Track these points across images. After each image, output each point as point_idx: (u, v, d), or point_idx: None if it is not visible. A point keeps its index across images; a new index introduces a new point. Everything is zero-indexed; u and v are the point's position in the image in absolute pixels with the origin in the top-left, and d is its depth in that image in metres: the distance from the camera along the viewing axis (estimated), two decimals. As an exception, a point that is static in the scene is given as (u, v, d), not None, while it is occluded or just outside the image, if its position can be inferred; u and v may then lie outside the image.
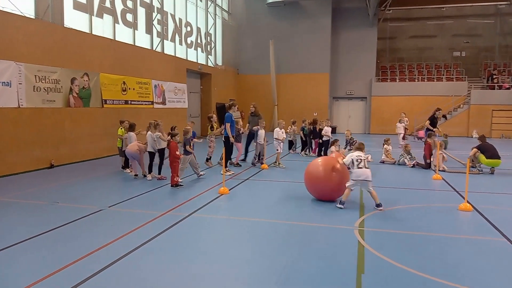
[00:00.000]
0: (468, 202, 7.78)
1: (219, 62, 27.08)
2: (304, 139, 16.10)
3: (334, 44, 28.89)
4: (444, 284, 4.48)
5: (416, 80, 28.68)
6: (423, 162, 12.82)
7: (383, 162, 13.76)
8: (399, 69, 30.23)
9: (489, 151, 11.61)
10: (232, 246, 5.72)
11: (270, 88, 27.99)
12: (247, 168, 12.33)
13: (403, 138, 18.83)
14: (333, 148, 12.54)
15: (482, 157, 11.70)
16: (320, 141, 15.22)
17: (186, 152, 9.99)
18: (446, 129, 20.95)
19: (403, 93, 27.88)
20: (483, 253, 5.52)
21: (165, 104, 19.25)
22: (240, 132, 12.77)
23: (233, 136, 11.64)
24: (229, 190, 9.05)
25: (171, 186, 9.39)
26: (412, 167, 12.89)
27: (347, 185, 7.73)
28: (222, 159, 12.70)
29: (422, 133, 20.13)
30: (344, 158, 8.10)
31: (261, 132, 12.73)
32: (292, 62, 28.45)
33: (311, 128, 15.52)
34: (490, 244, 5.87)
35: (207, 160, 12.68)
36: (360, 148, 8.02)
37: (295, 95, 28.52)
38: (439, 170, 11.60)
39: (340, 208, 7.63)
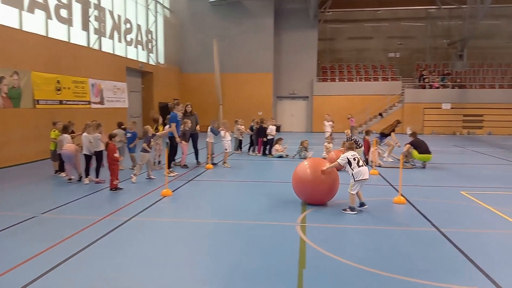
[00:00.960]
0: (402, 195, 8.22)
1: (161, 61, 26.49)
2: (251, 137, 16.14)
3: (277, 44, 29.35)
4: (380, 274, 4.70)
5: (354, 80, 29.89)
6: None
7: (324, 159, 14.16)
8: (339, 69, 31.34)
9: (421, 147, 12.35)
10: (173, 249, 5.60)
11: (214, 87, 27.84)
12: (191, 169, 12.16)
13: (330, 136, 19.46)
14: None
15: (414, 153, 12.43)
16: (265, 139, 15.38)
17: (145, 151, 9.79)
18: (382, 127, 21.94)
19: (342, 92, 28.97)
20: (416, 243, 5.86)
21: (103, 104, 18.48)
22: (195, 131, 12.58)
23: (179, 137, 11.40)
24: (172, 191, 8.86)
25: (110, 189, 9.02)
26: (351, 163, 13.41)
27: (352, 192, 7.29)
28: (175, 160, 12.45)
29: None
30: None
31: (209, 132, 12.67)
32: (236, 61, 28.51)
33: (258, 127, 15.63)
34: (422, 234, 6.24)
35: (154, 163, 12.25)
36: (352, 147, 7.72)
37: (240, 94, 28.62)
38: (375, 166, 12.17)
39: (355, 213, 7.20)
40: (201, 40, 28.35)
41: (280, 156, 14.75)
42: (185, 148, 12.36)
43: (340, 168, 7.81)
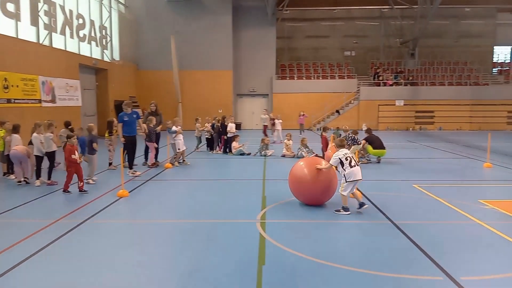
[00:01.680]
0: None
1: (116, 57, 25.71)
2: (212, 136, 15.94)
3: (236, 41, 29.30)
4: (337, 267, 4.81)
5: (312, 78, 30.40)
6: (321, 154, 13.64)
7: (283, 155, 14.34)
8: (297, 67, 31.76)
9: (375, 142, 12.77)
10: (129, 251, 5.45)
11: (173, 84, 27.39)
12: (147, 170, 11.89)
13: (265, 132, 20.44)
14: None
15: (369, 148, 12.83)
16: (225, 137, 15.33)
17: (92, 151, 9.34)
18: (339, 123, 22.53)
19: (301, 90, 29.41)
20: (371, 236, 6.05)
21: (55, 102, 17.69)
22: (155, 131, 12.19)
23: (124, 136, 10.83)
24: (129, 192, 8.64)
25: (63, 191, 8.62)
26: (310, 159, 13.63)
27: (344, 193, 7.03)
28: (149, 160, 12.05)
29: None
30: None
31: (174, 129, 12.44)
32: (195, 59, 28.17)
33: (220, 125, 15.52)
34: (377, 227, 6.45)
35: (110, 164, 11.84)
36: (342, 145, 7.37)
37: (200, 92, 28.34)
38: (333, 162, 12.43)
39: (348, 213, 6.98)
40: (158, 37, 27.77)
41: (242, 154, 14.75)
42: (152, 147, 12.12)
43: (329, 167, 7.43)
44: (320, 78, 30.37)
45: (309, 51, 32.75)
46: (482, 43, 32.34)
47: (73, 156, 8.52)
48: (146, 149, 12.36)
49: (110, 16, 24.68)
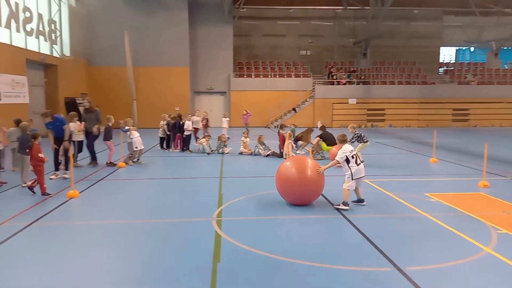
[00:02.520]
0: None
1: (67, 53, 24.64)
2: (167, 134, 15.64)
3: (193, 38, 28.97)
4: (293, 262, 4.91)
5: (269, 76, 30.66)
6: (278, 152, 13.82)
7: (241, 153, 14.39)
8: (254, 65, 31.90)
9: (329, 139, 13.11)
10: (80, 253, 5.27)
11: (127, 81, 26.66)
12: (101, 168, 11.53)
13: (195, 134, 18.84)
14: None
15: (323, 145, 13.15)
16: (183, 135, 15.13)
17: (25, 152, 8.83)
18: (295, 121, 22.86)
19: (259, 88, 29.59)
20: (326, 230, 6.23)
21: (0, 100, 16.71)
22: (92, 131, 11.65)
23: (55, 138, 9.92)
24: (80, 192, 8.34)
25: (42, 194, 8.13)
26: (266, 156, 13.76)
27: (349, 188, 7.14)
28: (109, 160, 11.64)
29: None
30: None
31: (127, 128, 12.10)
32: (150, 55, 27.55)
33: (175, 122, 15.28)
34: (330, 222, 6.64)
35: (60, 163, 11.30)
36: (345, 140, 7.39)
37: (155, 89, 27.77)
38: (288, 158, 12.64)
39: (347, 208, 7.11)
40: (112, 32, 26.87)
41: (204, 152, 14.55)
42: (111, 146, 11.76)
43: (337, 164, 7.42)
44: (277, 76, 30.69)
45: (266, 50, 32.99)
46: (430, 44, 33.99)
47: (40, 155, 8.12)
48: (91, 152, 11.81)
49: (59, 9, 23.60)
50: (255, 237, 5.84)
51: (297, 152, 14.40)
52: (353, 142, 11.71)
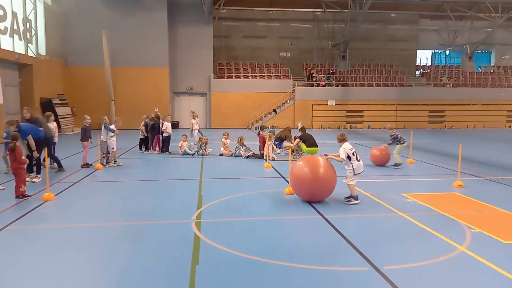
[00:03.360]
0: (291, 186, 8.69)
1: (43, 52, 24.09)
2: (146, 135, 15.45)
3: (172, 39, 28.75)
4: (271, 263, 4.92)
5: (250, 77, 30.69)
6: (259, 153, 13.84)
7: (221, 154, 14.34)
8: (235, 66, 31.89)
9: (308, 140, 13.22)
10: (55, 257, 5.15)
11: (105, 81, 26.24)
12: (78, 170, 11.31)
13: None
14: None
15: (303, 146, 13.25)
16: (162, 137, 14.98)
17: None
18: (276, 122, 23.06)
19: (239, 89, 29.58)
20: (304, 230, 6.26)
21: (-29, 100, 16.21)
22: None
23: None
24: (56, 195, 8.15)
25: (16, 197, 7.88)
26: (247, 157, 13.76)
27: (353, 183, 7.63)
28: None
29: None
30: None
31: (103, 129, 11.90)
32: (129, 55, 27.21)
33: (153, 124, 15.11)
34: (308, 222, 6.68)
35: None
36: (344, 139, 7.84)
37: (134, 89, 27.44)
38: (269, 159, 12.69)
39: (358, 202, 7.62)
40: (89, 31, 26.42)
41: (186, 154, 14.41)
42: (85, 147, 11.57)
43: (340, 161, 7.77)
44: (258, 77, 30.76)
45: (246, 51, 33.02)
46: (407, 47, 34.70)
47: (23, 158, 7.89)
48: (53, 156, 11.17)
49: (35, 8, 23.05)
50: (235, 238, 5.82)
51: (277, 153, 14.46)
52: (390, 144, 12.03)
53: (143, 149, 15.41)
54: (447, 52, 37.89)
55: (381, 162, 12.08)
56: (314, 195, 7.66)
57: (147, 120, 15.21)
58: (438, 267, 4.88)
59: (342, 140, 7.83)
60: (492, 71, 34.93)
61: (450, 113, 31.14)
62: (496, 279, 4.54)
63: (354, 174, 7.64)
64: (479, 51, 36.71)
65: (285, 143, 14.59)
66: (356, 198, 7.71)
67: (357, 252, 5.29)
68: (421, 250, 5.41)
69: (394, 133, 12.14)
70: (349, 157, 7.62)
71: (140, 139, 15.48)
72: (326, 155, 7.97)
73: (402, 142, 12.01)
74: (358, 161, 7.69)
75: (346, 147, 7.68)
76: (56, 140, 11.22)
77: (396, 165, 11.85)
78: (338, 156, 7.72)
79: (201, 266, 4.78)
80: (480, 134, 25.35)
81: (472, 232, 6.09)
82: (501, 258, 5.08)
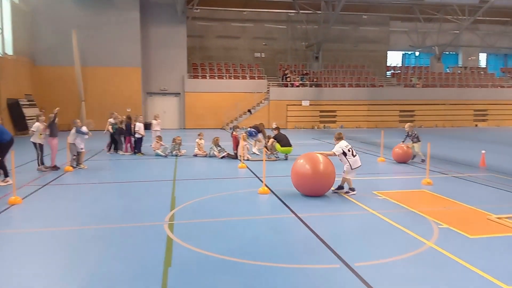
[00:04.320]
0: (266, 185, 8.73)
1: (9, 51, 23.27)
2: (113, 136, 15.15)
3: (145, 38, 28.32)
4: (244, 263, 4.93)
5: (224, 77, 30.60)
6: (233, 153, 13.81)
7: (196, 155, 14.24)
8: (209, 66, 31.72)
9: (283, 140, 13.29)
10: (22, 262, 4.99)
11: (75, 81, 25.59)
12: (47, 173, 10.98)
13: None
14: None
15: (278, 146, 13.31)
16: (134, 138, 14.74)
17: None
18: (251, 122, 22.95)
19: (213, 89, 29.44)
20: (277, 229, 6.29)
21: None
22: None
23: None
24: (23, 199, 7.89)
25: None
26: (222, 158, 13.71)
27: (349, 177, 8.24)
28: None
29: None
30: None
31: (73, 132, 11.60)
32: (100, 54, 26.61)
33: (125, 125, 14.84)
34: (282, 221, 6.73)
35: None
36: (341, 137, 8.42)
37: (106, 89, 26.87)
38: (243, 159, 12.70)
39: (355, 193, 8.25)
40: (58, 30, 25.70)
41: (159, 155, 14.22)
42: (54, 147, 11.27)
43: (331, 155, 8.32)
44: (232, 78, 30.70)
45: (220, 51, 32.91)
46: (378, 48, 35.43)
47: None
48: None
49: (0, 6, 22.23)
50: (208, 239, 5.80)
51: (252, 152, 14.48)
52: (404, 141, 13.24)
53: (112, 150, 15.07)
54: (417, 53, 38.93)
55: (404, 160, 12.82)
56: (314, 189, 8.13)
57: (111, 120, 14.91)
58: (407, 262, 5.00)
59: (339, 138, 8.46)
60: (459, 72, 36.12)
61: (420, 112, 31.99)
62: (461, 272, 4.70)
63: (352, 169, 8.21)
64: (447, 53, 37.87)
65: (260, 136, 14.65)
66: (353, 189, 8.30)
67: (329, 249, 5.36)
68: (391, 246, 5.54)
69: (411, 133, 13.07)
70: (345, 154, 8.16)
71: (112, 139, 15.14)
72: (323, 154, 8.39)
73: (419, 140, 13.02)
74: (354, 156, 8.23)
75: (342, 145, 8.29)
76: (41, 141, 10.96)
77: (423, 160, 12.54)
78: (331, 152, 8.33)
79: (173, 268, 4.74)
80: (448, 133, 26.16)
81: (439, 227, 6.27)
82: (467, 252, 5.26)
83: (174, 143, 14.57)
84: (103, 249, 5.43)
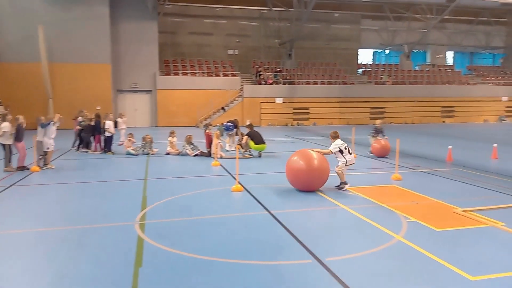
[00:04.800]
0: (239, 183, 8.72)
1: (-30, 47, 22.29)
2: (79, 133, 14.74)
3: (115, 34, 27.69)
4: (217, 261, 4.90)
5: (197, 74, 30.32)
6: (206, 151, 13.71)
7: (168, 153, 14.05)
8: (182, 63, 31.35)
9: (256, 138, 13.30)
10: (-15, 266, 4.81)
11: (42, 78, 24.76)
12: (13, 173, 10.59)
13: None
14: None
15: (251, 143, 13.31)
16: (104, 136, 14.41)
17: None
18: (225, 119, 22.85)
19: (186, 86, 29.12)
20: (250, 227, 6.29)
21: None
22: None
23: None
24: (-14, 200, 7.60)
25: None
26: (194, 156, 13.59)
27: (341, 171, 8.51)
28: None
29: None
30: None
31: (40, 130, 11.20)
32: (68, 51, 25.83)
33: (94, 123, 14.47)
34: (255, 218, 6.73)
35: None
36: (337, 136, 8.64)
37: (74, 87, 26.12)
38: (217, 157, 12.64)
39: (349, 186, 8.55)
40: (23, 26, 24.80)
41: (130, 154, 13.94)
42: (21, 149, 10.85)
43: (327, 153, 8.60)
44: (205, 75, 30.47)
45: (193, 48, 32.58)
46: (349, 46, 35.94)
47: None
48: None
49: (-41, -2, 21.26)
50: (180, 238, 5.73)
51: (226, 149, 14.43)
52: (376, 136, 14.22)
53: (81, 148, 14.70)
54: (387, 51, 39.74)
55: (382, 154, 13.42)
56: (311, 184, 8.37)
57: (79, 118, 14.55)
58: (377, 256, 5.11)
59: (335, 137, 8.68)
60: (427, 69, 37.14)
61: (390, 109, 32.72)
62: (429, 265, 4.83)
63: (346, 165, 8.53)
64: (415, 51, 38.85)
65: (234, 131, 14.70)
66: (346, 183, 8.57)
67: (301, 245, 5.41)
68: (361, 241, 5.63)
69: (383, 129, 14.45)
70: (341, 151, 8.48)
71: (80, 138, 14.75)
72: (320, 152, 8.68)
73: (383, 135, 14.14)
74: (350, 154, 8.56)
75: (338, 143, 8.56)
76: (9, 142, 10.54)
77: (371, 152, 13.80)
78: (328, 150, 8.62)
79: (144, 268, 4.66)
80: (417, 129, 26.87)
81: (408, 221, 6.43)
82: (433, 245, 5.42)
83: (144, 142, 14.32)
84: (72, 250, 5.28)
